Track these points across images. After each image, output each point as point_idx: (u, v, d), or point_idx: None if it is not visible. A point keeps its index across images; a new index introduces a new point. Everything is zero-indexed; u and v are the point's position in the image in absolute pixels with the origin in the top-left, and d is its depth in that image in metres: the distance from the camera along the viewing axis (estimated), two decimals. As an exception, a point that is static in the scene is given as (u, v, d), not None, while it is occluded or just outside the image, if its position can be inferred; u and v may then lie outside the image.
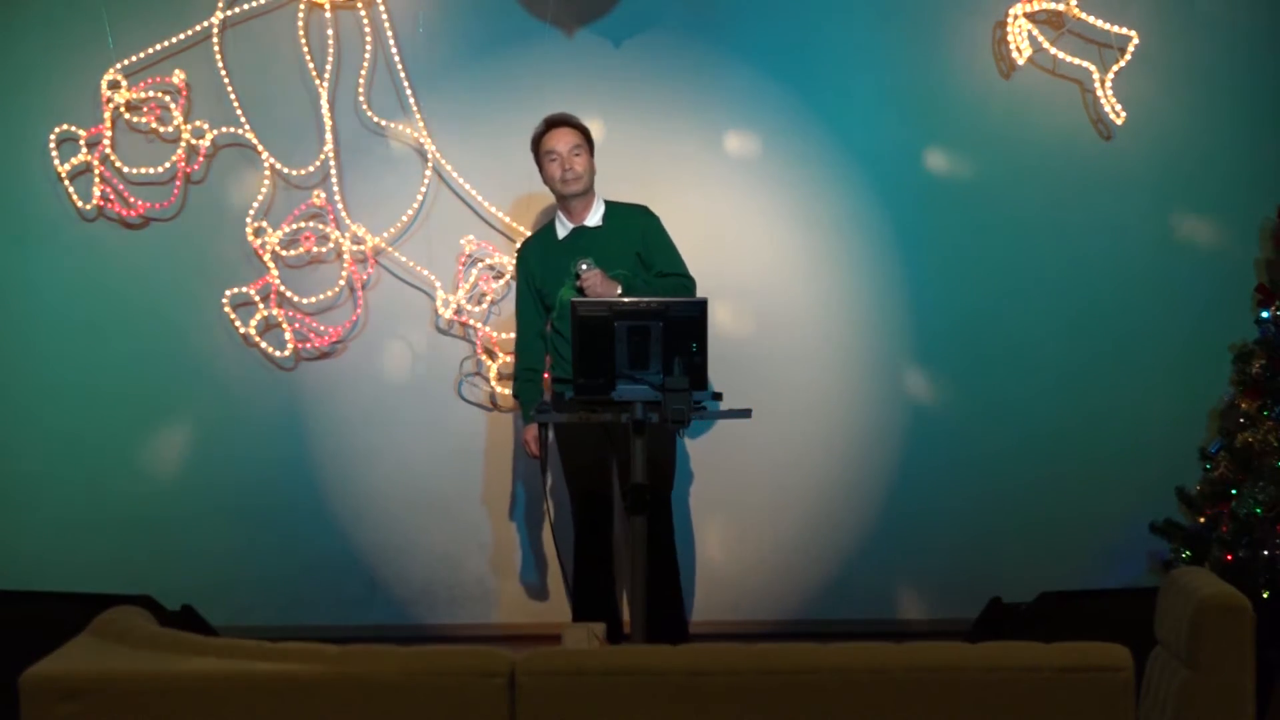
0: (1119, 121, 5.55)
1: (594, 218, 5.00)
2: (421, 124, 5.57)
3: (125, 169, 5.54)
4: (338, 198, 5.55)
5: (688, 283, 4.98)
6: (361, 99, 5.56)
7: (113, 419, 5.60)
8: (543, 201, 5.56)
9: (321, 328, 5.59)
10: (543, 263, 4.99)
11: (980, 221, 5.63)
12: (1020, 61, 5.53)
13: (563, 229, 5.01)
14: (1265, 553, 5.02)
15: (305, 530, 5.62)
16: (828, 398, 5.66)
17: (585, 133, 4.97)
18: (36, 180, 5.56)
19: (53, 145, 5.51)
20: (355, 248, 5.55)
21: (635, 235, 4.97)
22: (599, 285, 4.76)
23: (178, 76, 5.53)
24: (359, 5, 5.52)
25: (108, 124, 5.51)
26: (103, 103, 5.50)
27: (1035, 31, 5.53)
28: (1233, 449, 5.28)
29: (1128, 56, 5.52)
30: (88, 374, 5.59)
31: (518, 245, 5.29)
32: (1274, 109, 5.61)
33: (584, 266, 4.79)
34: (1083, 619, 4.32)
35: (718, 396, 4.62)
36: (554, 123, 4.95)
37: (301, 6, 5.52)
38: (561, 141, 4.92)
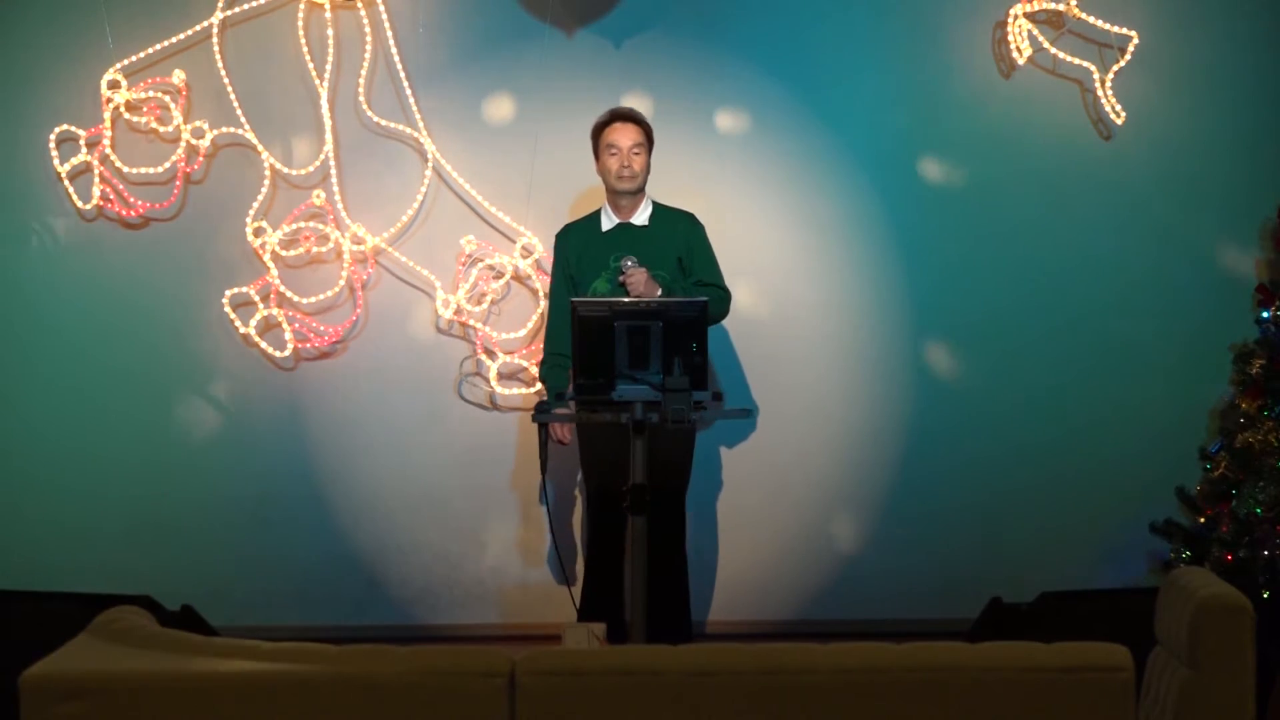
0: (1119, 121, 5.55)
1: (641, 216, 4.99)
2: (421, 124, 5.57)
3: (125, 169, 5.54)
4: (338, 198, 5.55)
5: (725, 295, 4.99)
6: (361, 99, 5.56)
7: (112, 419, 5.59)
8: (543, 201, 5.56)
9: (321, 328, 5.58)
10: (582, 251, 4.97)
11: (980, 222, 5.63)
12: (1020, 61, 5.53)
13: (608, 222, 4.99)
14: (1265, 553, 5.02)
15: (305, 530, 5.62)
16: (828, 398, 5.65)
17: (648, 132, 4.96)
18: (36, 180, 5.56)
19: (53, 145, 5.51)
20: (355, 248, 5.55)
21: (680, 240, 4.97)
22: (642, 285, 4.74)
23: (178, 76, 5.53)
24: (359, 5, 5.52)
25: (108, 124, 5.50)
26: (103, 103, 5.50)
27: (1035, 31, 5.53)
28: (1233, 449, 5.28)
29: (1128, 56, 5.52)
30: (87, 374, 5.58)
31: (518, 242, 5.26)
32: (1274, 109, 5.61)
33: (629, 264, 4.78)
34: (1083, 619, 4.32)
35: (718, 396, 4.61)
36: (619, 116, 4.94)
37: (301, 6, 5.52)
38: (625, 137, 4.90)
